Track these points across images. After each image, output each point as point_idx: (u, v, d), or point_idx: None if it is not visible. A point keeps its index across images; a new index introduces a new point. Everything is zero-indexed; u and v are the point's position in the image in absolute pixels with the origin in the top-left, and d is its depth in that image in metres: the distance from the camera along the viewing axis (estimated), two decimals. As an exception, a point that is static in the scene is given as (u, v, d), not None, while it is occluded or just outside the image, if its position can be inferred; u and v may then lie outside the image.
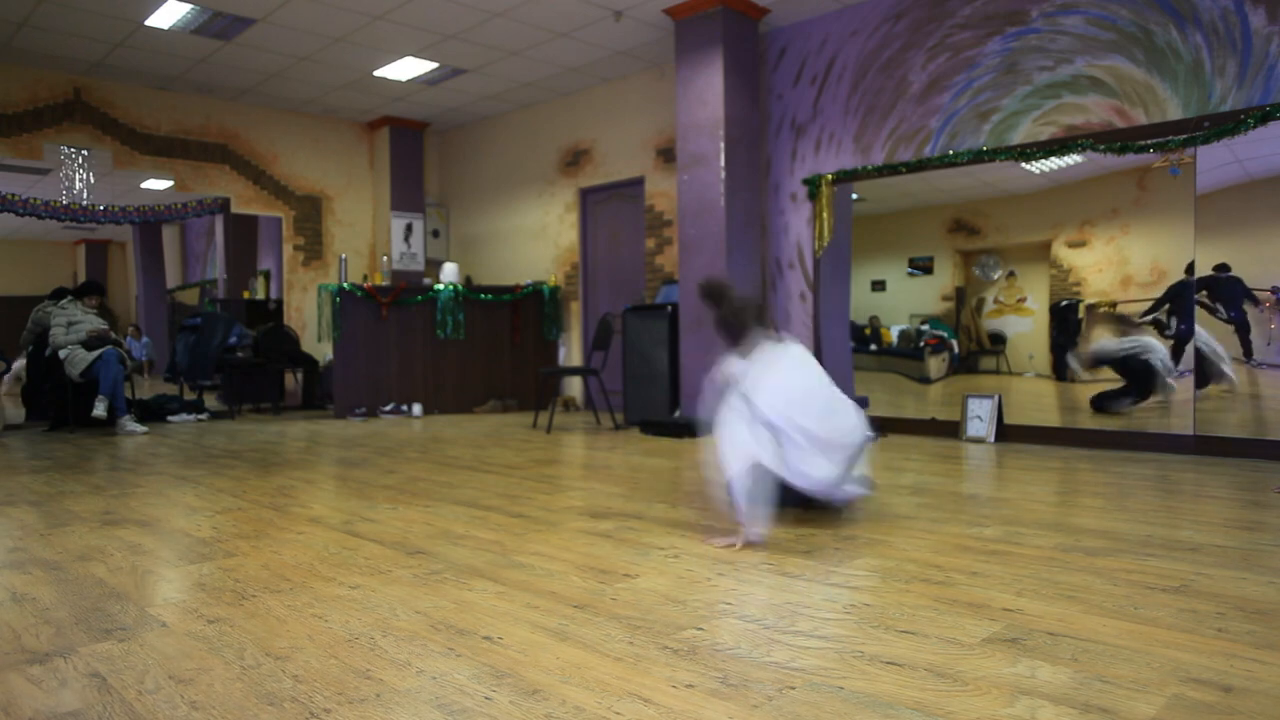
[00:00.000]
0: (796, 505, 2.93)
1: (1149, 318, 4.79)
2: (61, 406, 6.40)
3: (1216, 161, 4.51)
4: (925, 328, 5.87)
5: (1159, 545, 2.54)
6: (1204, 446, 4.56)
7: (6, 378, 7.18)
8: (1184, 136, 4.61)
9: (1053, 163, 5.15)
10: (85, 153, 7.57)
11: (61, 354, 6.37)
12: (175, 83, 7.78)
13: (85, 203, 7.66)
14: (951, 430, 5.49)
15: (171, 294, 10.95)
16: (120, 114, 7.71)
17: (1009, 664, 1.61)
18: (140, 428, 6.37)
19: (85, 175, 7.60)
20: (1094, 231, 5.04)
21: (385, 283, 7.96)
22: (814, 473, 2.68)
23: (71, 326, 6.46)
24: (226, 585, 2.23)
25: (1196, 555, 2.42)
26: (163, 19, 6.28)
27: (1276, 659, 1.62)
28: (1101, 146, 4.90)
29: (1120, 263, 4.93)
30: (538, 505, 3.32)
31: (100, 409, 6.16)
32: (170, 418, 7.21)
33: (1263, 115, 4.32)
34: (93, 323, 6.57)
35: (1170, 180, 4.71)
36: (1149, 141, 4.73)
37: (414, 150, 9.35)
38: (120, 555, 2.57)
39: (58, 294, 6.83)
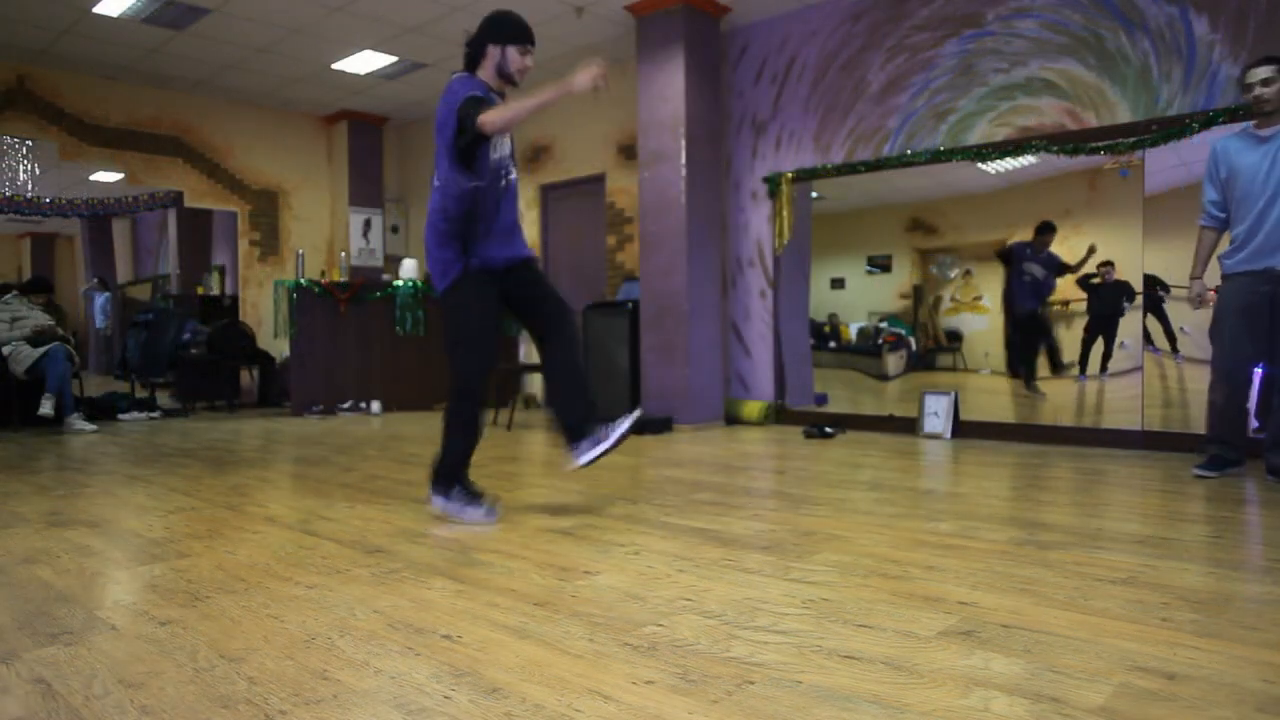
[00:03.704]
0: None
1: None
2: (6, 405, 6.22)
3: (1164, 164, 4.63)
4: (883, 325, 5.95)
5: (1108, 538, 2.61)
6: (1151, 442, 4.68)
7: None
8: (1133, 139, 4.72)
9: (1008, 163, 5.24)
10: (30, 143, 7.35)
11: (5, 350, 6.18)
12: (126, 73, 7.59)
13: (30, 195, 7.44)
14: (909, 427, 5.57)
15: (122, 289, 10.70)
16: (67, 104, 7.50)
17: (964, 656, 1.64)
18: (89, 426, 6.21)
19: (30, 166, 7.37)
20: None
21: (343, 279, 7.85)
22: None
23: (15, 322, 6.27)
24: (179, 587, 2.19)
25: (1143, 547, 2.48)
26: (111, 6, 6.11)
27: (1217, 646, 1.67)
28: (1054, 148, 5.00)
29: (1073, 262, 5.03)
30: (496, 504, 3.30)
31: (47, 407, 5.99)
32: (121, 415, 7.04)
33: (1206, 120, 4.44)
34: (38, 319, 6.39)
35: (1120, 182, 4.82)
36: (1100, 144, 4.84)
37: (373, 145, 9.23)
38: (67, 557, 2.51)
39: (1, 289, 6.64)
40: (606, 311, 6.63)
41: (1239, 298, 3.60)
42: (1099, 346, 4.94)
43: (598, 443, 2.99)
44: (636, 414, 3.10)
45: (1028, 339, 5.28)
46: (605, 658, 1.66)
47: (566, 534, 2.76)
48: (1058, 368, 5.12)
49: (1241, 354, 3.61)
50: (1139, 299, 4.75)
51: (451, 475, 3.06)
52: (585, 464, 3.01)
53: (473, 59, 3.04)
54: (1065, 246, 5.06)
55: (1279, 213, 3.48)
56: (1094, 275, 4.95)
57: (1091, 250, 4.93)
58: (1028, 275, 5.21)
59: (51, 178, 7.55)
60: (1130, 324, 4.79)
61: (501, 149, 3.01)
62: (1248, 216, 3.57)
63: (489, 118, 2.77)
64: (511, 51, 3.00)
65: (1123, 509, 3.14)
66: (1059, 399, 5.11)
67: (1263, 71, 3.54)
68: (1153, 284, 4.71)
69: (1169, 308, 4.66)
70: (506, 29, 3.01)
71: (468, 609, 1.98)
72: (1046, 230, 5.16)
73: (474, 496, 3.05)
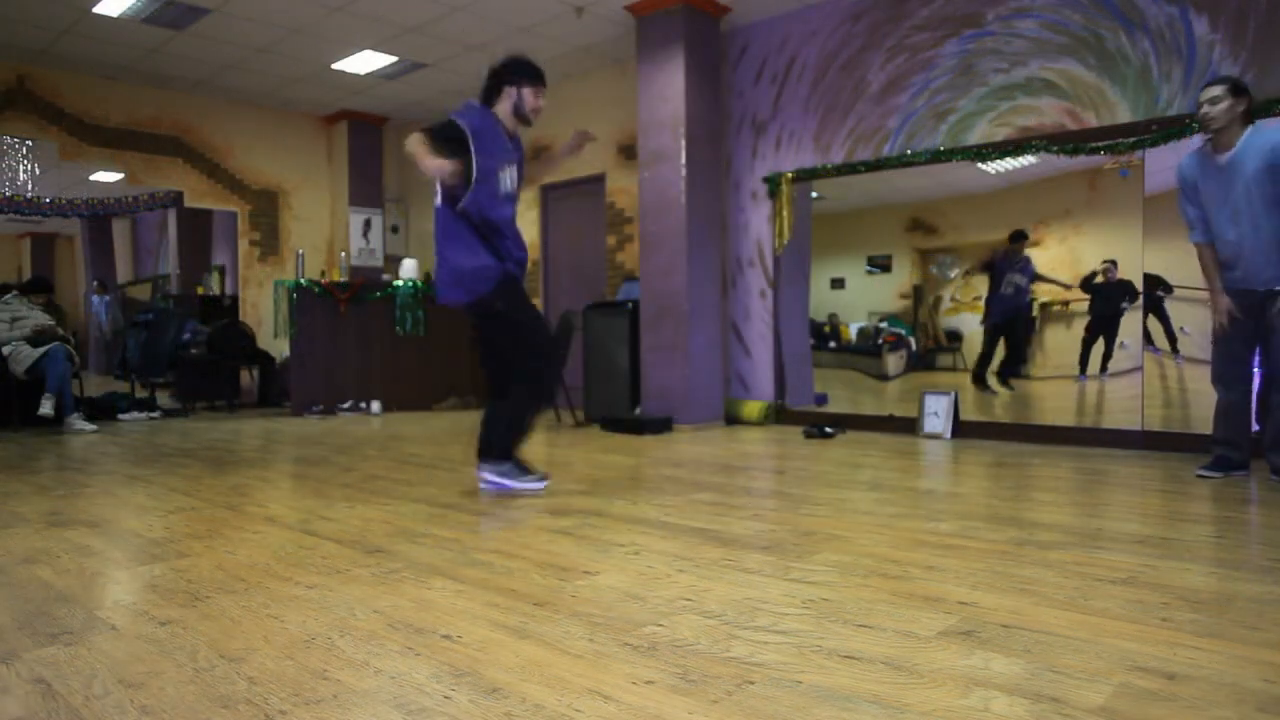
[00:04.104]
0: None
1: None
2: (6, 405, 6.22)
3: (1164, 165, 4.63)
4: (883, 325, 5.95)
5: (1108, 538, 2.61)
6: (1151, 442, 4.68)
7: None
8: (1133, 139, 4.72)
9: (1008, 163, 5.24)
10: (30, 143, 7.35)
11: (5, 350, 6.18)
12: (126, 73, 7.59)
13: (30, 195, 7.44)
14: (909, 427, 5.57)
15: (122, 289, 10.71)
16: (67, 104, 7.50)
17: (963, 656, 1.64)
18: (89, 426, 6.21)
19: (30, 166, 7.37)
20: (1047, 231, 5.14)
21: (343, 279, 7.84)
22: None
23: (15, 322, 6.27)
24: (179, 587, 2.19)
25: (1143, 547, 2.48)
26: (111, 6, 6.11)
27: (1217, 646, 1.67)
28: (1054, 148, 5.00)
29: (1073, 263, 5.03)
30: (497, 502, 3.30)
31: (47, 407, 5.99)
32: (121, 415, 7.03)
33: (1207, 119, 4.44)
34: (38, 319, 6.39)
35: (1120, 182, 4.82)
36: (1100, 144, 4.83)
37: (373, 145, 9.23)
38: (67, 557, 2.51)
39: (1, 289, 6.64)
40: (606, 311, 6.63)
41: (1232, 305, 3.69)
42: (1099, 346, 4.94)
43: (500, 476, 3.45)
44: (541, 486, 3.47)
45: (1009, 341, 5.35)
46: (605, 658, 1.66)
47: (566, 534, 2.76)
48: (1010, 370, 5.33)
49: (1239, 356, 3.67)
50: (1140, 299, 4.75)
51: (512, 450, 3.45)
52: (485, 487, 3.49)
53: (489, 93, 3.36)
54: (1065, 247, 5.06)
55: (1250, 242, 3.52)
56: (1096, 274, 4.95)
57: (1089, 275, 4.98)
58: (1009, 286, 5.24)
59: (51, 178, 7.55)
60: (1130, 324, 4.79)
61: (511, 177, 3.39)
62: (1222, 244, 3.63)
63: (411, 140, 3.13)
64: (527, 92, 3.36)
65: (1123, 509, 3.14)
66: (1059, 399, 5.11)
67: (1212, 90, 3.53)
68: (1154, 284, 4.71)
69: (1170, 308, 4.66)
70: (523, 71, 3.36)
71: (468, 609, 1.98)
72: (1020, 238, 5.22)
73: (527, 470, 3.48)
